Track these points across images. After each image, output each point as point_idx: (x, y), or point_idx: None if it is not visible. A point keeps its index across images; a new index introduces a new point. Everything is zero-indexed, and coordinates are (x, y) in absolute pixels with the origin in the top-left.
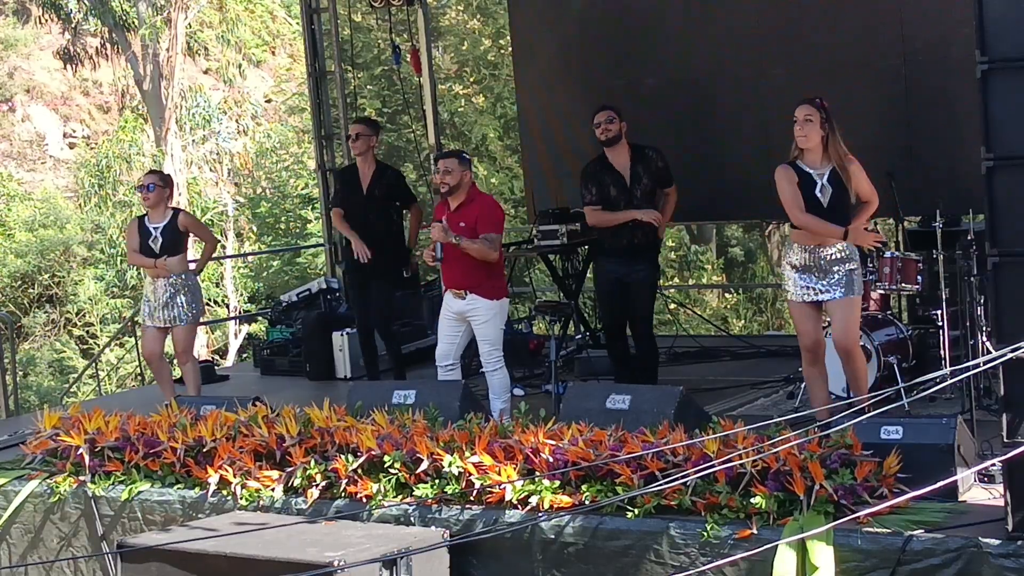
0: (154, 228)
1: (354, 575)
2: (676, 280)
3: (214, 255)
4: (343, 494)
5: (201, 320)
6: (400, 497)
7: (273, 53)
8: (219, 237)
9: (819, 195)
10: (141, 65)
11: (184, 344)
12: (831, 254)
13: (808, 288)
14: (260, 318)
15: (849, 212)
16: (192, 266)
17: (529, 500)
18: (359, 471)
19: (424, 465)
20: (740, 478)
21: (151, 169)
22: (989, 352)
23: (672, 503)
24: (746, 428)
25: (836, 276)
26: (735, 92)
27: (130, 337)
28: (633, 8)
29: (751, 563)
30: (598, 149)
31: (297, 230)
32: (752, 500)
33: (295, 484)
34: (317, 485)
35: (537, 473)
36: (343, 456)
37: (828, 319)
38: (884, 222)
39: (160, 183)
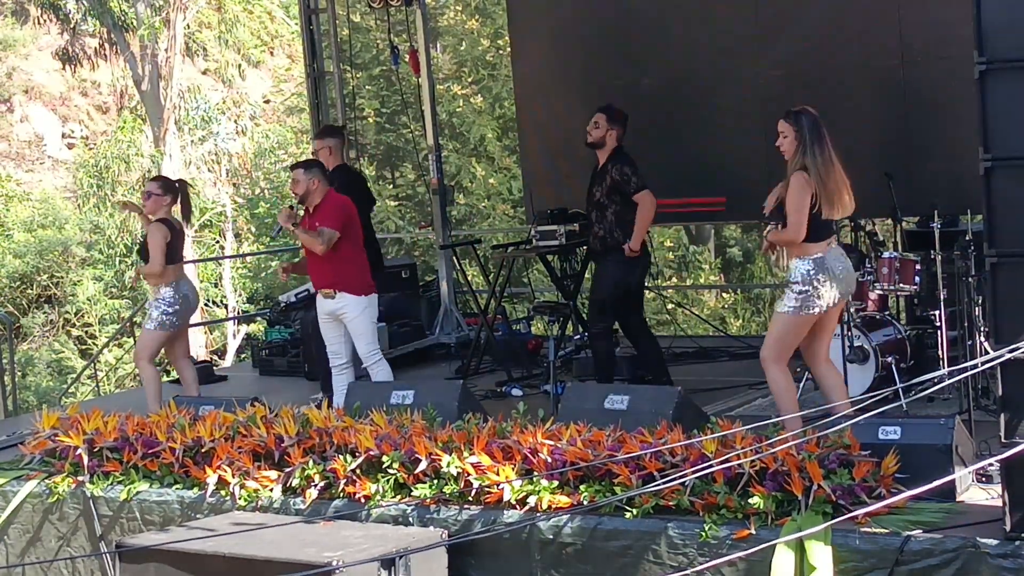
0: (142, 236)
1: (352, 575)
2: (674, 280)
3: (207, 259)
4: (341, 494)
5: (160, 330)
6: (398, 497)
7: (272, 53)
8: (217, 237)
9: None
10: (140, 66)
11: (139, 346)
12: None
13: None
14: (259, 318)
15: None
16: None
17: (527, 500)
18: (357, 471)
19: (422, 465)
20: (738, 478)
21: (156, 175)
22: (987, 352)
23: (670, 503)
24: (744, 428)
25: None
26: (733, 92)
27: (128, 338)
28: (631, 8)
29: (749, 563)
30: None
31: None
32: (750, 500)
33: (293, 484)
34: (315, 485)
35: (535, 473)
36: (341, 456)
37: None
38: (883, 222)
39: (158, 191)
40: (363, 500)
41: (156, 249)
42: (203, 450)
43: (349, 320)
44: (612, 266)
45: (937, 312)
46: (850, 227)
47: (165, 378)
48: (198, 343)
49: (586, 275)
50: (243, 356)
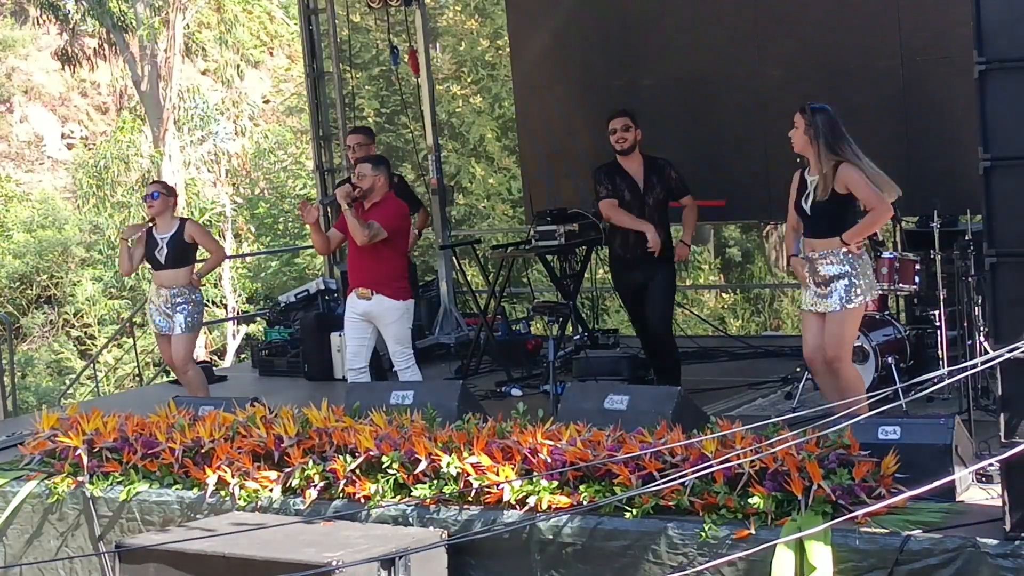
0: (160, 238)
1: (352, 575)
2: None
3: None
4: (341, 494)
5: (197, 330)
6: (398, 497)
7: (271, 54)
8: (217, 237)
9: (804, 204)
10: (139, 66)
11: (183, 354)
12: (824, 264)
13: (813, 297)
14: (258, 319)
15: (838, 220)
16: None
17: (527, 500)
18: (357, 471)
19: (422, 465)
20: (738, 478)
21: (155, 179)
22: (987, 352)
23: (670, 503)
24: (744, 428)
25: (832, 287)
26: (733, 92)
27: (128, 338)
28: (631, 8)
29: (749, 563)
30: (596, 150)
31: (295, 231)
32: (750, 500)
33: (293, 485)
34: (315, 486)
35: (535, 473)
36: (341, 457)
37: None
38: None
39: (164, 191)
40: (363, 500)
41: (213, 241)
42: (203, 450)
43: (386, 324)
44: (671, 272)
45: (937, 312)
46: None
47: (165, 379)
48: (198, 343)
49: (585, 275)
50: (243, 356)
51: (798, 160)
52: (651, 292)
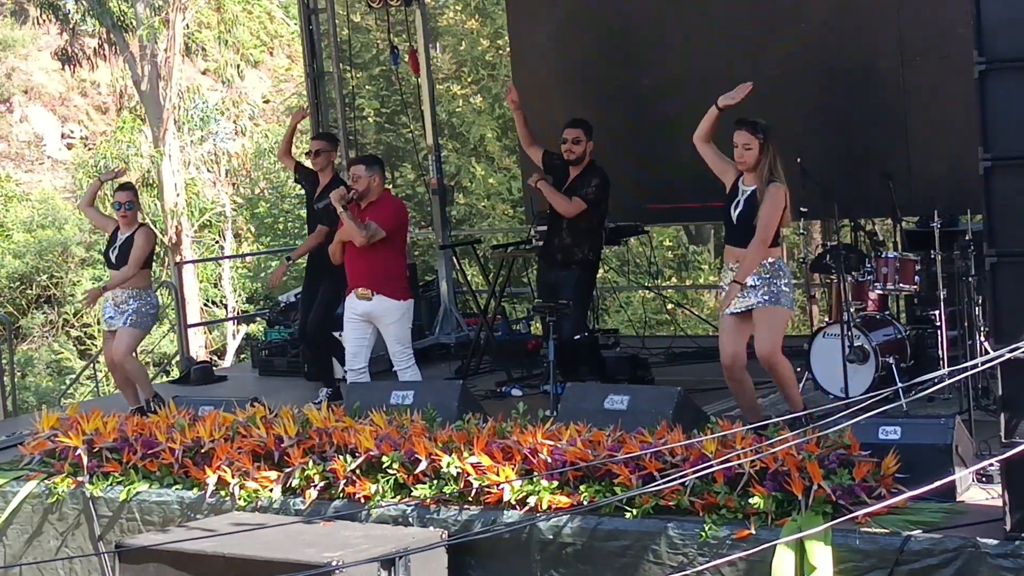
0: (119, 238)
1: (352, 575)
2: (674, 280)
3: (207, 259)
4: (341, 495)
5: (143, 330)
6: (398, 498)
7: (271, 54)
8: (217, 237)
9: (732, 211)
10: (139, 66)
11: (123, 347)
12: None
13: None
14: (258, 319)
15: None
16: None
17: (527, 500)
18: (357, 472)
19: (422, 466)
20: (738, 478)
21: (122, 184)
22: (987, 352)
23: (670, 503)
24: (744, 428)
25: (752, 289)
26: None
27: None
28: (631, 8)
29: (749, 563)
30: (595, 150)
31: (295, 231)
32: (750, 500)
33: (293, 485)
34: (315, 486)
35: (535, 473)
36: (341, 457)
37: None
38: (883, 222)
39: (135, 201)
40: (363, 500)
41: (143, 252)
42: (203, 450)
43: (387, 324)
44: (588, 275)
45: (937, 312)
46: (850, 227)
47: (165, 379)
48: (198, 343)
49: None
50: (243, 356)
51: (797, 160)
52: (563, 295)
